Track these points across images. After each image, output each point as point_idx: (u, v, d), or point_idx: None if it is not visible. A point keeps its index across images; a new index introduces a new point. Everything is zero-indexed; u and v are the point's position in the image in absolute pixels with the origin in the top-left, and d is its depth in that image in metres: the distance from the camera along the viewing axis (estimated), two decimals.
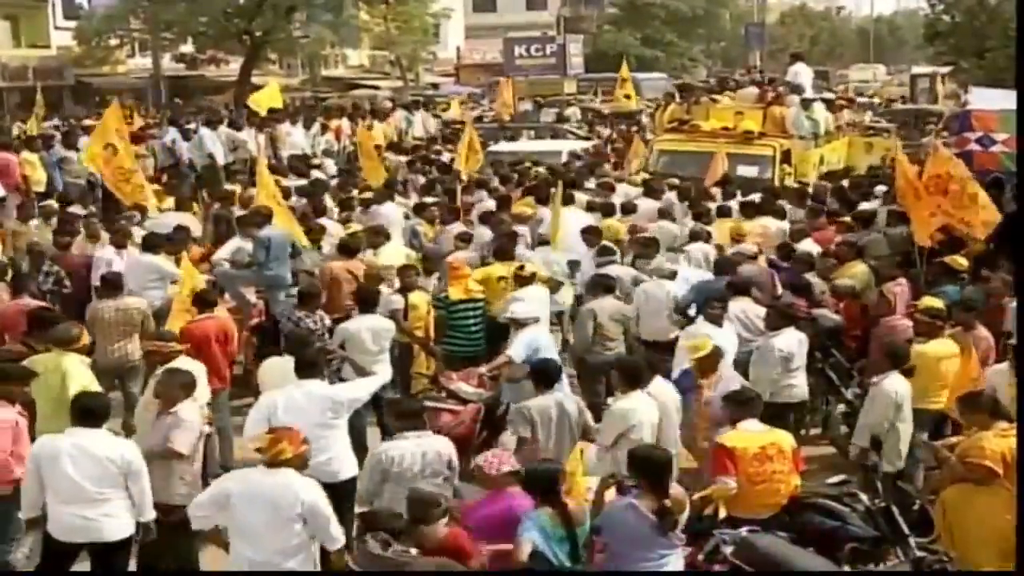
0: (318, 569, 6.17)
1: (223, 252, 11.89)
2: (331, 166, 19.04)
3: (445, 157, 19.52)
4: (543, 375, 7.69)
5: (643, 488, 5.93)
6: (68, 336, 8.15)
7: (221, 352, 9.13)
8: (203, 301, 9.38)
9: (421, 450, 6.78)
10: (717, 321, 9.15)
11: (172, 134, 19.23)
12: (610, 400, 8.57)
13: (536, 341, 8.97)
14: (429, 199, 14.73)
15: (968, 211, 10.72)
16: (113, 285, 10.03)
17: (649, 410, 7.54)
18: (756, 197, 14.02)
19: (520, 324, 9.21)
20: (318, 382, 7.49)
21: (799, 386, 9.00)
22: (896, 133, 20.53)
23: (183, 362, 7.97)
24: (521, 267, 10.52)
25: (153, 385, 7.62)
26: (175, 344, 8.22)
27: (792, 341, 8.90)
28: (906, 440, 7.96)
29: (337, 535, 6.10)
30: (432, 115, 28.24)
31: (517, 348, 8.96)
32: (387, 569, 5.19)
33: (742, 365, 8.93)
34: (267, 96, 22.85)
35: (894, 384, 7.91)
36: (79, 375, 7.84)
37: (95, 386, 7.81)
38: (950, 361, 8.52)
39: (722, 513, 6.92)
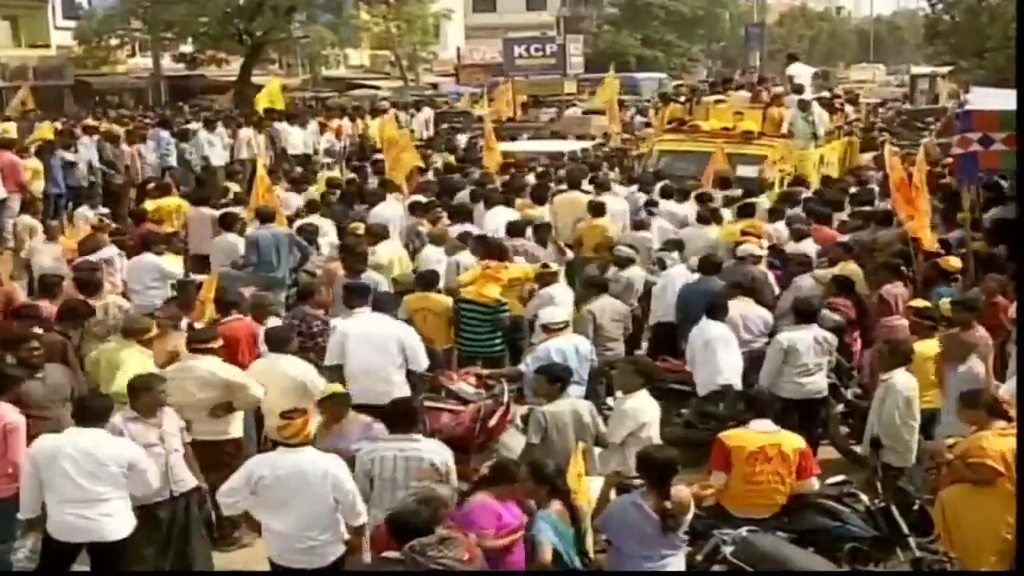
0: (346, 537, 6.34)
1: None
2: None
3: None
4: (550, 375, 7.63)
5: (647, 487, 5.95)
6: (137, 327, 8.24)
7: (249, 353, 8.92)
8: (227, 303, 9.35)
9: (404, 455, 6.61)
10: (721, 317, 9.19)
11: (164, 136, 19.19)
12: (610, 400, 8.58)
13: (561, 353, 8.55)
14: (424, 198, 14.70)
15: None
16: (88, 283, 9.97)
17: (654, 410, 7.58)
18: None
19: (550, 330, 8.87)
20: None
21: (806, 384, 8.87)
22: (890, 134, 20.61)
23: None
24: (545, 265, 10.51)
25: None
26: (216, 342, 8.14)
27: (800, 337, 8.87)
28: (915, 437, 7.94)
29: (360, 510, 6.30)
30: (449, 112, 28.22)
31: (535, 361, 8.45)
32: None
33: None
34: (269, 95, 22.92)
35: (905, 381, 7.90)
36: (136, 368, 7.73)
37: None
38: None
39: (708, 501, 6.90)
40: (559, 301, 9.77)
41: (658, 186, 14.70)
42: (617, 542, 6.01)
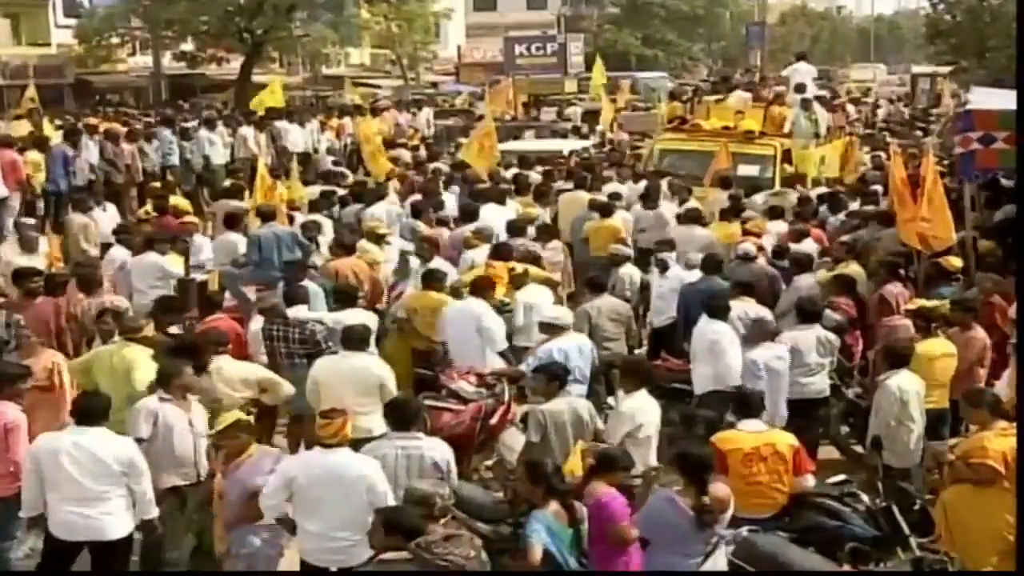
0: None
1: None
2: (327, 163, 19.08)
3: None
4: (548, 374, 7.65)
5: (684, 484, 5.98)
6: (134, 325, 8.34)
7: (234, 354, 8.77)
8: (209, 303, 9.31)
9: (406, 453, 6.65)
10: (723, 316, 9.16)
11: (167, 135, 19.16)
12: (611, 399, 8.58)
13: (563, 352, 8.56)
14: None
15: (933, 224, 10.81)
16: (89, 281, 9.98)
17: (653, 409, 7.58)
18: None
19: (557, 329, 8.86)
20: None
21: (807, 384, 8.88)
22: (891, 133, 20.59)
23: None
24: (512, 268, 10.48)
25: None
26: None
27: (803, 336, 8.87)
28: (915, 438, 7.94)
29: None
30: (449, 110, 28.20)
31: (536, 361, 8.46)
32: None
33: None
34: (270, 96, 22.91)
35: (900, 382, 7.89)
36: (145, 367, 7.79)
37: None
38: (943, 360, 8.51)
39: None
40: (537, 303, 9.75)
41: (641, 184, 14.73)
42: (654, 540, 6.00)
